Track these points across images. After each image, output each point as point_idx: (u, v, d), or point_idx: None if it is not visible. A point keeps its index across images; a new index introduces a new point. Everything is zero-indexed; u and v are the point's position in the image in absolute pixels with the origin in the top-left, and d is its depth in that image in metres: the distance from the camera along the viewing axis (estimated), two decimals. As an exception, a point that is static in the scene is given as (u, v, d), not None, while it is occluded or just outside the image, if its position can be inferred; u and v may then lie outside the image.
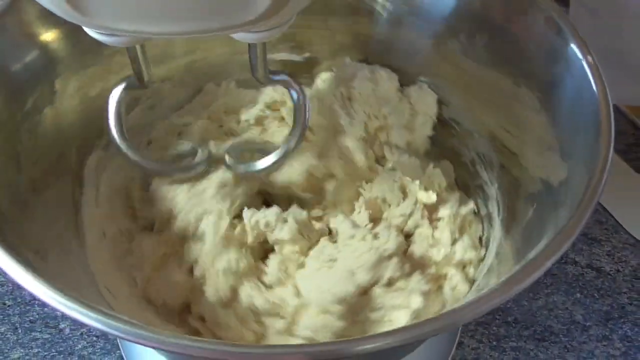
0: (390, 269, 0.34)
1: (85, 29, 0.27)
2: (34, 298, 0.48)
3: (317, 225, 0.39)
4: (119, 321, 0.23)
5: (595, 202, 0.26)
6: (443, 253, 0.38)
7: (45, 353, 0.45)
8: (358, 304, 0.34)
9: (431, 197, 0.40)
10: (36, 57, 0.34)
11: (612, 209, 0.56)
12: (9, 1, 0.32)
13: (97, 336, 0.46)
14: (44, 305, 0.47)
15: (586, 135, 0.30)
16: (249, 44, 0.30)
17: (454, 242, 0.38)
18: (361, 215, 0.40)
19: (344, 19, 0.43)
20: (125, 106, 0.34)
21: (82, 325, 0.23)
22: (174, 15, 0.23)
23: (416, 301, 0.34)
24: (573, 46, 0.32)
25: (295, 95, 0.34)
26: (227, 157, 0.38)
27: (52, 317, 0.47)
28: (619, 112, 0.64)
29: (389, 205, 0.41)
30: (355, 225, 0.37)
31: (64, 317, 0.47)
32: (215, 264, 0.35)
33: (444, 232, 0.39)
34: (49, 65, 0.35)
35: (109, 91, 0.34)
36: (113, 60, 0.37)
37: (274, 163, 0.36)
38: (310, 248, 0.37)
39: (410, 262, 0.36)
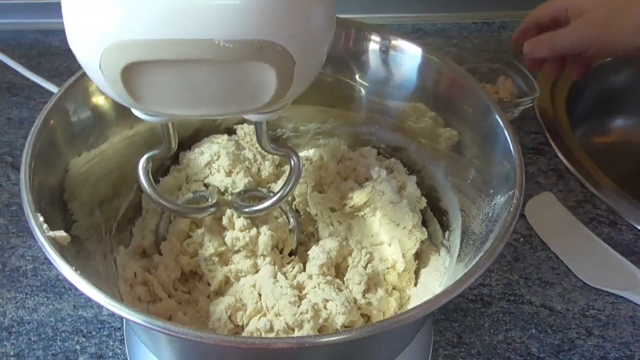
0: None
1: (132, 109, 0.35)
2: (55, 334, 0.54)
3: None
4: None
5: (509, 232, 0.35)
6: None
7: (66, 382, 0.51)
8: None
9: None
10: (89, 115, 0.45)
11: (562, 256, 0.64)
12: (77, 77, 0.43)
13: (112, 367, 0.52)
14: (64, 340, 0.54)
15: (507, 182, 0.39)
16: (255, 122, 0.39)
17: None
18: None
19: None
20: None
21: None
22: (206, 104, 0.32)
23: None
24: (495, 115, 0.42)
25: (293, 163, 0.43)
26: (233, 202, 0.46)
27: (72, 351, 0.53)
28: (569, 172, 0.73)
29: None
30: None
31: (83, 351, 0.53)
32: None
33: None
34: (98, 122, 0.46)
35: (141, 149, 0.43)
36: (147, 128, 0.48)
37: (271, 205, 0.44)
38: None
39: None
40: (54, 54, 0.84)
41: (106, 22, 0.28)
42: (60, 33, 0.94)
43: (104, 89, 0.32)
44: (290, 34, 0.30)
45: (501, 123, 0.41)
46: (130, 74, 0.30)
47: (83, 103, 0.44)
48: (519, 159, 0.38)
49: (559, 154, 0.74)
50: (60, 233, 0.34)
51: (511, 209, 0.35)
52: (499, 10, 0.92)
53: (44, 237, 0.32)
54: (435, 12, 0.92)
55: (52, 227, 0.35)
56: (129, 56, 0.29)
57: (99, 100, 0.45)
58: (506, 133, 0.40)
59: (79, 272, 0.30)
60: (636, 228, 0.66)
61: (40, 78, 0.73)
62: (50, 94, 0.72)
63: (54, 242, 0.33)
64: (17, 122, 0.74)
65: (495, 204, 0.39)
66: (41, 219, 0.33)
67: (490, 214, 0.39)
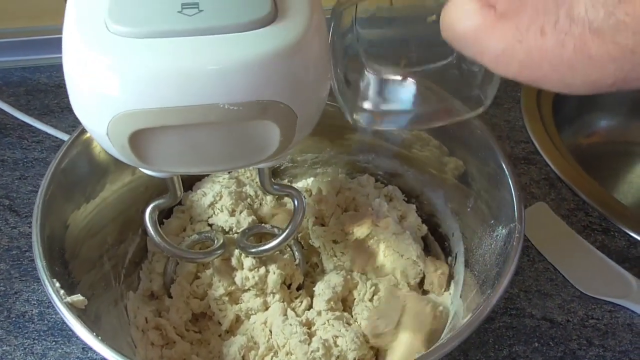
0: None
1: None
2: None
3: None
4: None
5: (513, 268, 0.36)
6: None
7: None
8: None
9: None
10: (85, 164, 0.45)
11: (559, 267, 0.65)
12: (77, 133, 0.44)
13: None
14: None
15: (507, 214, 0.40)
16: (258, 169, 0.40)
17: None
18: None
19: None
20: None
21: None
22: (211, 161, 0.33)
23: None
24: (491, 142, 0.44)
25: (296, 202, 0.44)
26: (239, 242, 0.47)
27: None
28: (560, 181, 0.75)
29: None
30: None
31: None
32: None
33: None
34: (95, 172, 0.46)
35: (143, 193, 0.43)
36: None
37: (277, 244, 0.45)
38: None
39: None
40: (42, 91, 0.84)
41: (111, 94, 0.29)
42: (47, 69, 0.94)
43: (111, 152, 0.33)
44: (291, 92, 0.31)
45: (499, 154, 0.42)
46: (138, 139, 0.30)
47: (81, 155, 0.45)
48: (518, 190, 0.39)
49: (550, 163, 0.75)
50: (77, 297, 0.34)
51: (514, 243, 0.36)
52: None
53: (62, 303, 0.33)
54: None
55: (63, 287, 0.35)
56: (136, 124, 0.30)
57: (96, 148, 0.45)
58: (504, 165, 0.41)
59: (100, 337, 0.31)
60: (628, 234, 0.67)
61: (31, 118, 0.73)
62: (42, 133, 0.72)
63: (71, 307, 0.33)
64: (11, 163, 0.74)
65: (497, 235, 0.40)
66: (57, 284, 0.34)
67: (492, 246, 0.40)
